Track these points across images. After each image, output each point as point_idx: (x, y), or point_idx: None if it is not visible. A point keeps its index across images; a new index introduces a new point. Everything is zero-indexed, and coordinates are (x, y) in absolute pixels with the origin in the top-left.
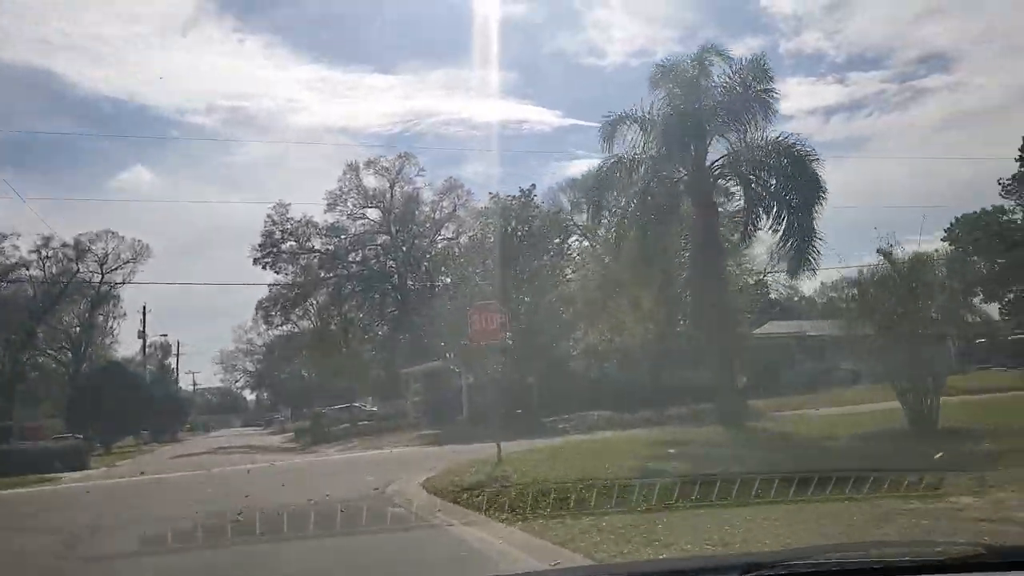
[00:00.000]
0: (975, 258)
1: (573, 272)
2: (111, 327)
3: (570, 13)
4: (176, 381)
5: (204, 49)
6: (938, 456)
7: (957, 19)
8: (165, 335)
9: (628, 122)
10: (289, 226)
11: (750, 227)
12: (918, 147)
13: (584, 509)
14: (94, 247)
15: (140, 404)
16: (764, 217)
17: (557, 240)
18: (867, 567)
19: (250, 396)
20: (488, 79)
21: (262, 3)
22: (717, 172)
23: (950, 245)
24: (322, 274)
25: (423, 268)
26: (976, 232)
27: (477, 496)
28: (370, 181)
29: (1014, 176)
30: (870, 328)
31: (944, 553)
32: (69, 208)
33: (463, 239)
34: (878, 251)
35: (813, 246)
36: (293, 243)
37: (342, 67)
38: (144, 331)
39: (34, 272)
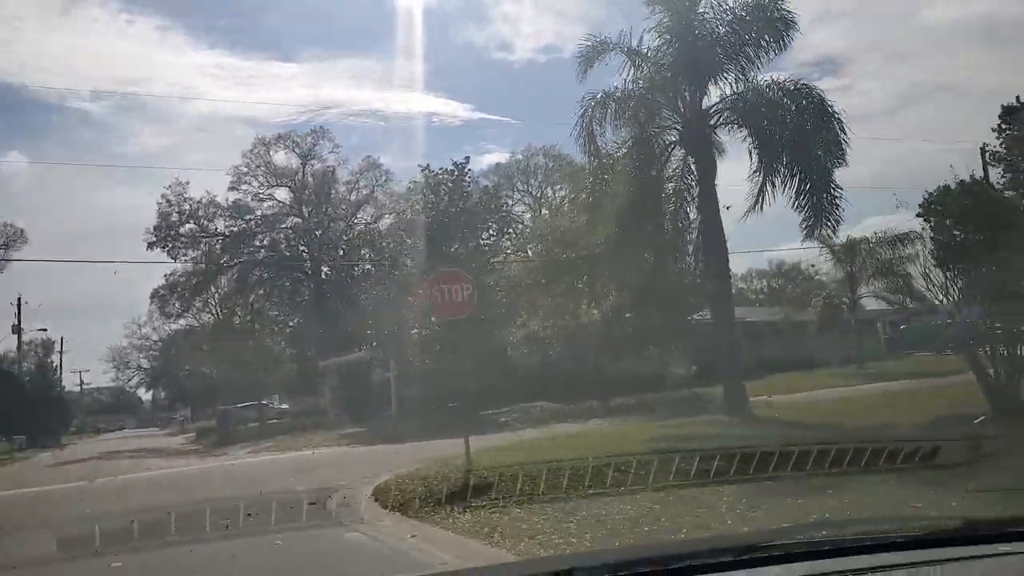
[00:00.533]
0: (957, 233)
1: (514, 252)
2: None
3: (479, 6)
4: (59, 381)
5: (87, 30)
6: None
7: (846, 25)
8: (44, 329)
9: (613, 51)
10: (188, 207)
11: (767, 183)
12: None
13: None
14: None
15: (15, 406)
16: (776, 170)
17: (495, 219)
18: (860, 544)
19: (145, 395)
20: (396, 70)
21: None
22: (717, 118)
23: (925, 221)
24: (226, 259)
25: (339, 253)
26: (962, 204)
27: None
28: (280, 158)
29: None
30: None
31: (930, 527)
32: None
33: (383, 222)
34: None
35: (834, 202)
36: (193, 225)
37: (242, 54)
38: (19, 326)
39: None
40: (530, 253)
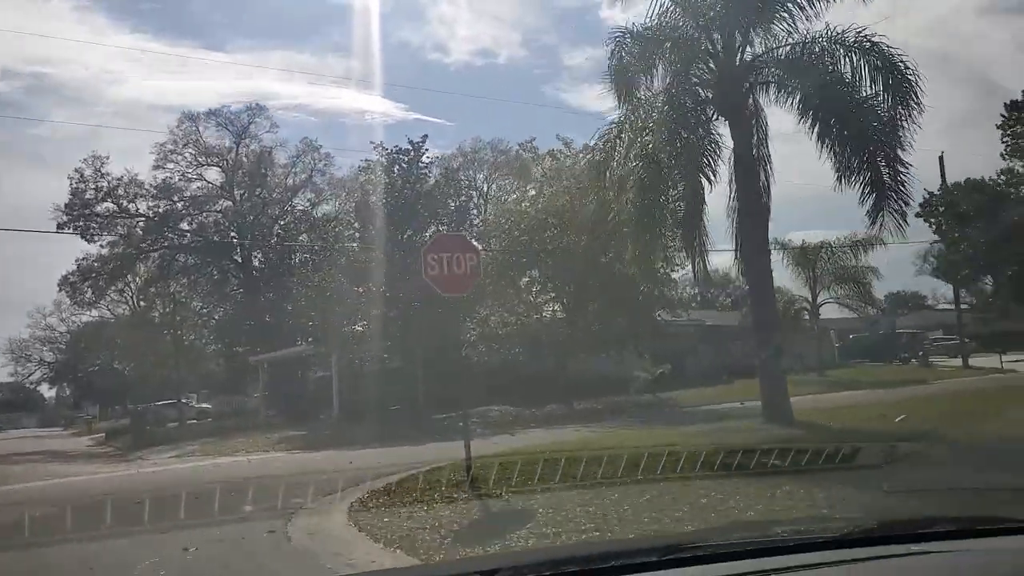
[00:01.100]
0: (966, 232)
1: (475, 240)
2: None
3: (415, 7)
4: None
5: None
6: None
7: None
8: None
9: None
10: (106, 184)
11: (844, 157)
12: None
13: None
14: None
15: None
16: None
17: (455, 205)
18: (781, 544)
19: (49, 392)
20: (330, 66)
21: None
22: (758, 74)
23: (927, 222)
24: (147, 243)
25: (274, 240)
26: (972, 200)
27: None
28: (211, 136)
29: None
30: None
31: (845, 528)
32: None
33: (324, 207)
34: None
35: (900, 180)
36: (111, 204)
37: (168, 40)
38: None
39: None
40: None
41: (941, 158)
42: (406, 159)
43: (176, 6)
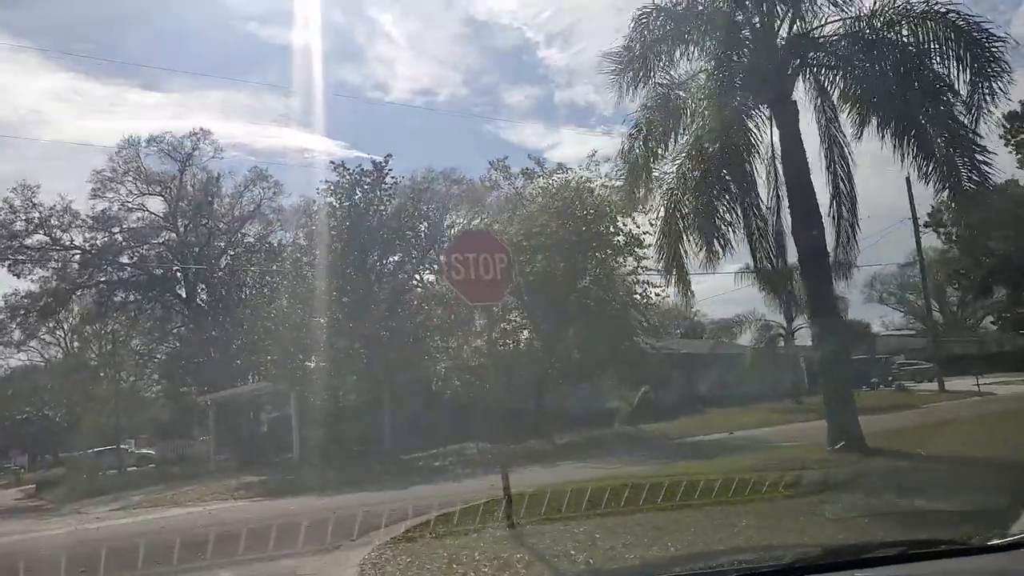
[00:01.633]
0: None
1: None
2: None
3: (354, 46)
4: None
5: None
6: None
7: None
8: None
9: None
10: (37, 214)
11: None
12: None
13: None
14: None
15: None
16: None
17: (424, 226)
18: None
19: None
20: (268, 105)
21: None
22: (805, 55)
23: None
24: (83, 278)
25: (220, 272)
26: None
27: None
28: (153, 163)
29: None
30: None
31: (789, 556)
32: None
33: (275, 237)
34: None
35: (979, 169)
36: (43, 236)
37: (101, 79)
38: None
39: None
40: None
41: (908, 179)
42: (368, 181)
43: (111, 46)
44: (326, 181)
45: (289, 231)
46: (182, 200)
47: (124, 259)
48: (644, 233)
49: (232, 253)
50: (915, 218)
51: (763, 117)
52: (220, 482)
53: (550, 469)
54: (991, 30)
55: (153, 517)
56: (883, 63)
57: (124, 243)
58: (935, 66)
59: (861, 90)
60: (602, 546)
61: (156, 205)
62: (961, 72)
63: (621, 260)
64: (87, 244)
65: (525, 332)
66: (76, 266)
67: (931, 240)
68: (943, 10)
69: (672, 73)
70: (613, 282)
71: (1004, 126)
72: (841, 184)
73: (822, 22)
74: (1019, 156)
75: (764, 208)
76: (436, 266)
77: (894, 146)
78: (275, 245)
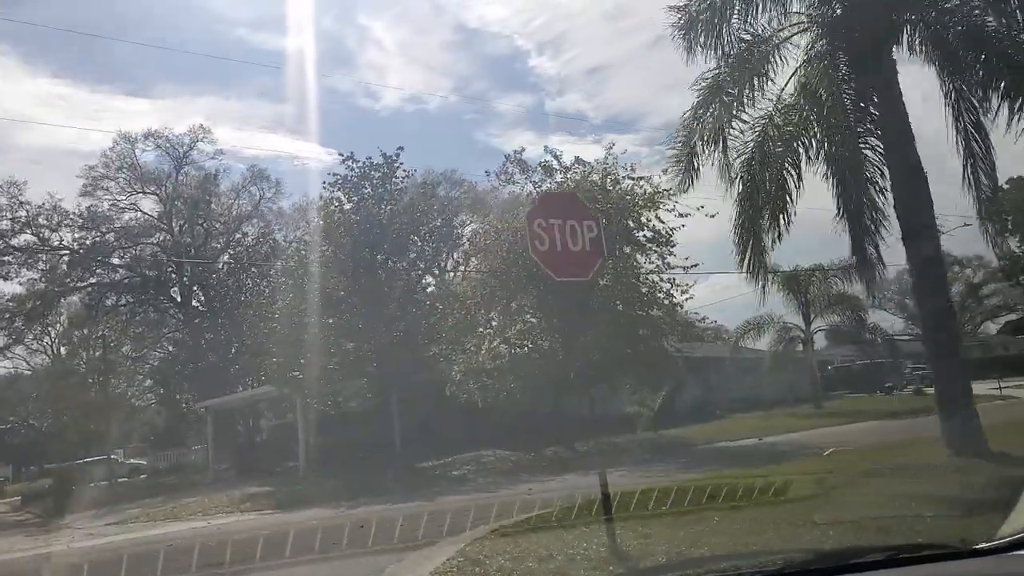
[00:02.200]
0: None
1: (458, 268)
2: None
3: (345, 53)
4: None
5: None
6: None
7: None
8: None
9: None
10: (24, 213)
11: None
12: None
13: None
14: None
15: None
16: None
17: (436, 226)
18: None
19: None
20: (257, 111)
21: None
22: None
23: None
24: (72, 280)
25: (216, 275)
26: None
27: None
28: (148, 160)
29: None
30: None
31: (781, 561)
32: None
33: (278, 236)
34: None
35: None
36: (30, 236)
37: (88, 86)
38: None
39: None
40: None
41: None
42: (378, 175)
43: (97, 53)
44: (334, 174)
45: (289, 231)
46: (177, 199)
47: (116, 260)
48: (671, 229)
49: (231, 253)
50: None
51: (865, 73)
52: (222, 494)
53: (586, 478)
54: None
55: (153, 533)
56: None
57: (116, 243)
58: None
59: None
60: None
61: (149, 205)
62: None
63: (644, 257)
64: (76, 244)
65: (542, 333)
66: (65, 267)
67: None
68: None
69: (754, 25)
70: (636, 281)
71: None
72: (974, 144)
73: None
74: None
75: (869, 179)
76: (449, 264)
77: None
78: (279, 242)
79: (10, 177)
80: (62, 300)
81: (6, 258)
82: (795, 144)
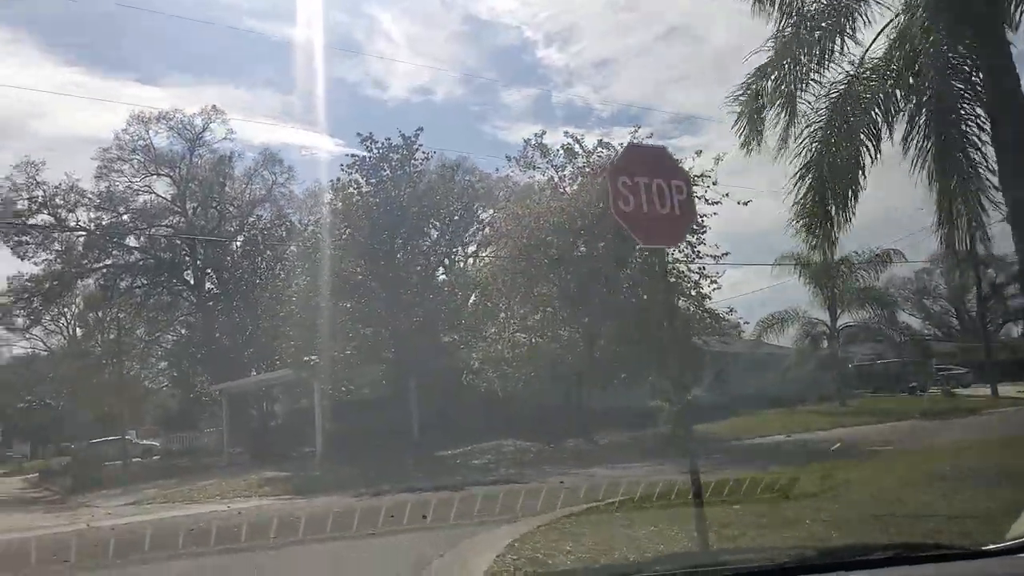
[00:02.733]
0: None
1: (482, 251)
2: None
3: (352, 43)
4: None
5: None
6: None
7: (704, 87)
8: None
9: None
10: (41, 193)
11: None
12: None
13: None
14: None
15: None
16: None
17: (456, 208)
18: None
19: None
20: (266, 101)
21: None
22: None
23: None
24: (88, 261)
25: (230, 258)
26: None
27: None
28: (161, 143)
29: None
30: None
31: (784, 557)
32: None
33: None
34: None
35: None
36: (47, 216)
37: (100, 74)
38: None
39: None
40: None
41: None
42: (396, 156)
43: (110, 41)
44: (352, 155)
45: (304, 215)
46: (191, 182)
47: (131, 242)
48: (703, 216)
49: (245, 236)
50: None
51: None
52: (238, 477)
53: (613, 471)
54: None
55: (172, 515)
56: None
57: (131, 223)
58: None
59: None
60: None
61: (163, 187)
62: None
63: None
64: (92, 224)
65: (564, 322)
66: (81, 248)
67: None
68: None
69: None
70: (663, 270)
71: None
72: None
73: None
74: None
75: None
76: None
77: None
78: (295, 224)
79: (27, 156)
80: (78, 281)
81: (24, 238)
82: (873, 112)
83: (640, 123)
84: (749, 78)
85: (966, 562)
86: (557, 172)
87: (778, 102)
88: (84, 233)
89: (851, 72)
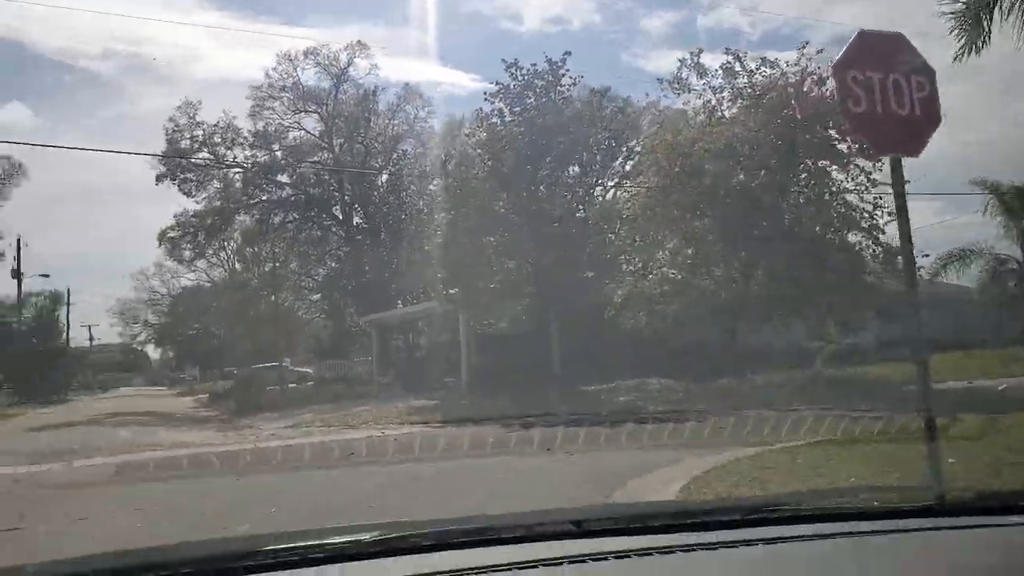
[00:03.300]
0: None
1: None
2: None
3: None
4: (64, 333)
5: None
6: None
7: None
8: (47, 275)
9: None
10: (201, 132)
11: None
12: None
13: None
14: None
15: (13, 358)
16: None
17: (607, 134)
18: (864, 511)
19: (154, 353)
20: (403, 39)
21: None
22: None
23: None
24: (245, 197)
25: (377, 192)
26: None
27: None
28: (309, 78)
29: None
30: None
31: (891, 500)
32: None
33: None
34: None
35: None
36: (207, 154)
37: (250, 17)
38: (19, 270)
39: None
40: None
41: None
42: (541, 84)
43: None
44: (496, 82)
45: (448, 147)
46: (338, 118)
47: (283, 178)
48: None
49: (390, 171)
50: None
51: None
52: (388, 404)
53: (777, 412)
54: None
55: (333, 438)
56: None
57: (283, 160)
58: None
59: None
60: None
61: (312, 123)
62: None
63: (844, 174)
64: (248, 162)
65: (718, 257)
66: (238, 185)
67: None
68: None
69: None
70: (831, 201)
71: None
72: None
73: None
74: None
75: None
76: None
77: None
78: (438, 157)
79: (186, 98)
80: (236, 217)
81: (188, 175)
82: None
83: (794, 46)
84: None
85: (927, 519)
86: (715, 94)
87: None
88: (241, 170)
89: None
